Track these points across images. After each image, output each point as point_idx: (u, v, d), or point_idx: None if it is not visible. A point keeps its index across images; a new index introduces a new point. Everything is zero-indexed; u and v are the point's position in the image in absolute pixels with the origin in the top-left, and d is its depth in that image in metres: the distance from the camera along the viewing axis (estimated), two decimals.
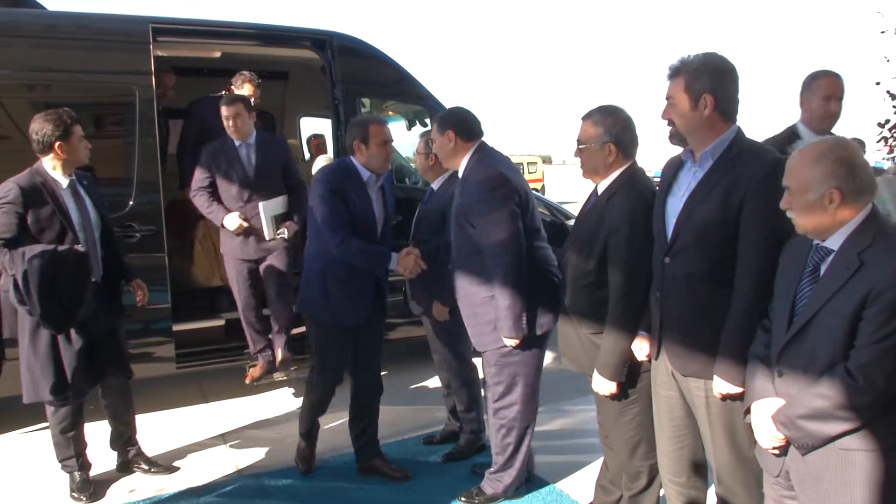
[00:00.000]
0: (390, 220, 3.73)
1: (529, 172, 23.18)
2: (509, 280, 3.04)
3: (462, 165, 3.28)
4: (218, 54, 5.71)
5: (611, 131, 2.71)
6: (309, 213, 3.61)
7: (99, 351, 3.44)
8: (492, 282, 3.09)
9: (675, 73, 2.37)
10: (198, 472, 3.86)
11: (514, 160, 3.59)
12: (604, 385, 2.73)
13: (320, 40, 5.16)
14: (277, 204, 4.52)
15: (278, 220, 4.49)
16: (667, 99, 2.41)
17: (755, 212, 2.22)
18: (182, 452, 4.10)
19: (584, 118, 2.80)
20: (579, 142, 2.79)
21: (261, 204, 4.39)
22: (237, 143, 4.46)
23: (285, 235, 4.49)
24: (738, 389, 2.24)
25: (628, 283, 2.62)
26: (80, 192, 3.43)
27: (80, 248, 3.26)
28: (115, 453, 3.84)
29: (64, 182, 3.36)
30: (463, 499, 3.45)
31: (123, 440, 3.81)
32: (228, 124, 4.38)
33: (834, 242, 1.92)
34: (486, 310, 3.18)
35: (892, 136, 4.18)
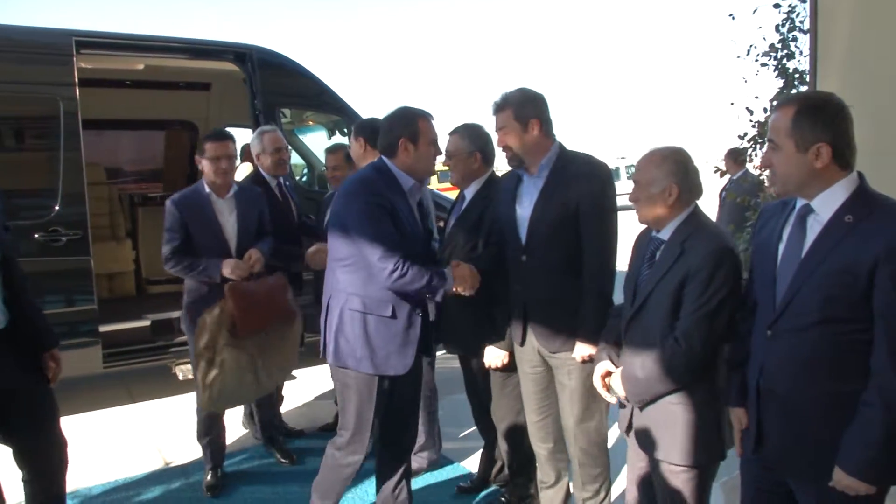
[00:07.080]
0: (433, 237, 3.29)
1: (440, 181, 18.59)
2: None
3: None
4: (141, 66, 5.84)
5: (476, 143, 3.21)
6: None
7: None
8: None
9: (500, 107, 2.81)
10: (126, 468, 4.02)
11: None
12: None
13: (241, 53, 5.33)
14: None
15: None
16: (499, 130, 2.84)
17: (589, 208, 2.73)
18: (111, 451, 4.24)
19: (452, 133, 3.29)
20: (449, 153, 3.26)
21: None
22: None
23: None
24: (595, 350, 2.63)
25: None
26: None
27: None
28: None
29: None
30: None
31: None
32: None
33: (665, 234, 2.34)
34: None
35: (751, 148, 4.86)
